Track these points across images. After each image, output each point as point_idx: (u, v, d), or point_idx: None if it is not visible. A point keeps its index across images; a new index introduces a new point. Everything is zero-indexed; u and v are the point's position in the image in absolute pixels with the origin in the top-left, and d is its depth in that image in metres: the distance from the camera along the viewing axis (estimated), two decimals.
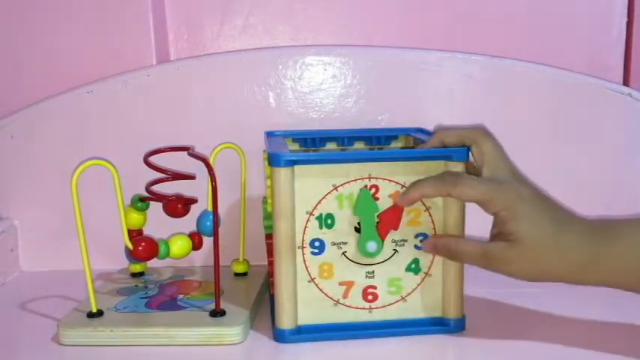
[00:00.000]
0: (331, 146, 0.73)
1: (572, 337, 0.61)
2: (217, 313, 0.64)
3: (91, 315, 0.64)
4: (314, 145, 0.73)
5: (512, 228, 0.56)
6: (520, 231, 0.56)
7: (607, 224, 0.57)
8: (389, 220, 0.61)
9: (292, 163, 0.59)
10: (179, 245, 0.72)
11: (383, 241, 0.61)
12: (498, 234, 0.58)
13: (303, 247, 0.61)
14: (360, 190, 0.61)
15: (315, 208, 0.61)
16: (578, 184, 0.82)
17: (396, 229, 0.62)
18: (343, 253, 0.62)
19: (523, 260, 0.56)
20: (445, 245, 0.60)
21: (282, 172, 0.59)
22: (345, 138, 0.73)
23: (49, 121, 0.81)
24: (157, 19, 0.84)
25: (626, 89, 0.81)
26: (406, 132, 0.73)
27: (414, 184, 0.60)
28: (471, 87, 0.81)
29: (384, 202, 0.61)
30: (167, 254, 0.72)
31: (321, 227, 0.61)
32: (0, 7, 0.83)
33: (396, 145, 0.74)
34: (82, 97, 0.81)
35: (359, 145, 0.73)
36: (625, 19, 0.86)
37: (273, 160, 0.59)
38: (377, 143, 0.73)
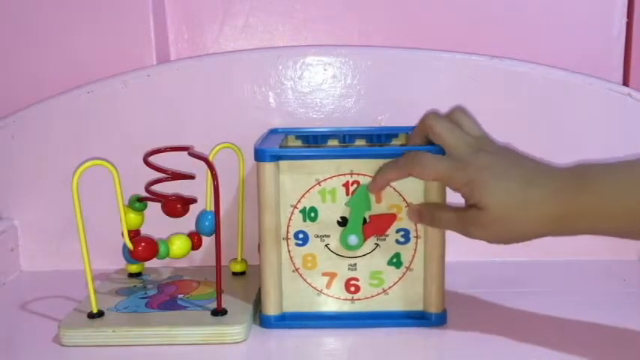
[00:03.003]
0: (333, 143, 0.74)
1: (552, 333, 0.62)
2: (219, 312, 0.64)
3: (91, 315, 0.64)
4: (315, 142, 0.74)
5: (477, 198, 0.56)
6: (483, 199, 0.56)
7: (580, 172, 0.55)
8: (378, 225, 0.64)
9: (277, 158, 0.62)
10: (179, 245, 0.72)
11: (365, 238, 0.64)
12: (469, 205, 0.58)
13: (287, 239, 0.64)
14: (361, 185, 0.63)
15: (299, 201, 0.63)
16: None
17: (381, 235, 0.64)
18: (326, 245, 0.64)
19: (496, 224, 0.56)
20: (429, 212, 0.62)
21: (267, 167, 0.62)
22: (346, 135, 0.74)
23: (49, 121, 0.81)
24: (158, 19, 0.84)
25: (625, 89, 0.81)
26: (406, 130, 0.74)
27: (378, 170, 0.62)
28: (471, 87, 0.81)
29: None
30: (167, 254, 0.72)
31: (304, 220, 0.64)
32: (0, 7, 0.83)
33: (396, 142, 0.74)
34: (82, 97, 0.81)
35: (359, 143, 0.74)
36: (625, 20, 0.86)
37: (259, 156, 0.62)
38: (377, 141, 0.74)
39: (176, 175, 0.74)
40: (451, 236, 0.65)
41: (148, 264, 0.76)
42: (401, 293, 0.65)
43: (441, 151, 0.61)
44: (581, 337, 0.62)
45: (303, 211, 0.64)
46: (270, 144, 0.67)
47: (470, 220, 0.58)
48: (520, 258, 0.78)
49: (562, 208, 0.54)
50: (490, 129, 0.67)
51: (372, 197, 0.63)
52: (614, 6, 0.86)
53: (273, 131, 0.76)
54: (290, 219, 0.64)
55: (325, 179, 0.63)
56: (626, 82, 0.86)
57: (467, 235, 0.59)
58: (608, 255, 0.79)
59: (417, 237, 0.64)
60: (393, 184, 0.63)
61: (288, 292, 0.65)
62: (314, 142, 0.73)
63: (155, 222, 0.75)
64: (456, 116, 0.62)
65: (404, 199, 0.64)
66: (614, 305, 0.69)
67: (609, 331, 0.63)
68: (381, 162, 0.63)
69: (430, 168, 0.59)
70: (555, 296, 0.72)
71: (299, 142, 0.75)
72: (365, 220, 0.63)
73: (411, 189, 0.63)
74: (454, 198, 0.63)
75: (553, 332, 0.62)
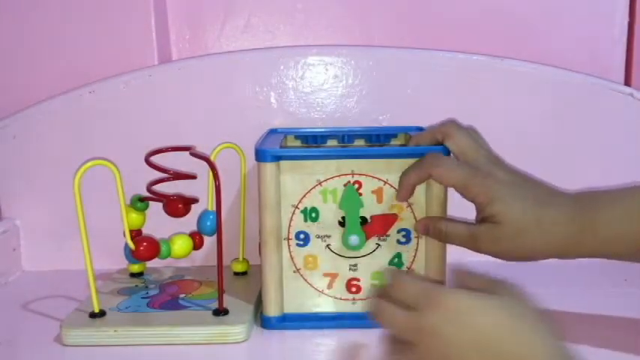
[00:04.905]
0: (332, 143, 0.74)
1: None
2: (220, 312, 0.64)
3: (93, 315, 0.64)
4: (315, 142, 0.74)
5: (492, 211, 0.57)
6: (501, 212, 0.57)
7: (590, 195, 0.57)
8: (379, 225, 0.64)
9: (277, 158, 0.62)
10: (180, 245, 0.72)
11: (367, 238, 0.64)
12: (482, 219, 0.59)
13: (288, 239, 0.64)
14: (346, 185, 0.63)
15: (300, 201, 0.63)
16: (578, 184, 0.82)
17: (382, 234, 0.64)
18: (327, 245, 0.64)
19: (508, 240, 0.57)
20: (437, 227, 0.62)
21: (268, 167, 0.62)
22: (345, 136, 0.74)
23: (50, 121, 0.81)
24: (159, 19, 0.84)
25: (627, 89, 0.81)
26: (405, 130, 0.74)
27: (401, 177, 0.62)
28: (471, 87, 0.81)
29: (367, 198, 0.64)
30: (168, 254, 0.72)
31: (305, 220, 0.64)
32: (2, 7, 0.83)
33: (395, 143, 0.74)
34: (83, 97, 0.81)
35: (359, 143, 0.74)
36: (626, 19, 0.86)
37: (260, 156, 0.62)
38: (377, 141, 0.74)
39: (178, 175, 0.74)
40: None
41: (149, 264, 0.77)
42: None
43: (447, 152, 0.62)
44: (581, 337, 0.62)
45: (304, 211, 0.64)
46: (270, 144, 0.67)
47: (482, 234, 0.58)
48: None
49: (571, 232, 0.56)
50: (491, 129, 0.67)
51: (362, 196, 0.63)
52: (615, 6, 0.86)
53: (273, 131, 0.77)
54: (291, 219, 0.64)
55: (326, 179, 0.63)
56: (627, 82, 0.86)
57: (476, 250, 0.59)
58: None
59: (418, 237, 0.64)
60: (396, 184, 0.63)
61: (289, 293, 0.65)
62: (313, 142, 0.73)
63: (157, 222, 0.75)
64: (472, 133, 0.63)
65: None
66: (615, 305, 0.69)
67: (610, 331, 0.63)
68: (382, 162, 0.63)
69: (451, 171, 0.59)
70: (555, 296, 0.71)
71: (298, 142, 0.75)
72: (364, 218, 0.64)
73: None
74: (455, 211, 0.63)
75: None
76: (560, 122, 0.82)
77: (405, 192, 0.62)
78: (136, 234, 0.73)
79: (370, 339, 0.62)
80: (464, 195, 0.60)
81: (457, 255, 0.67)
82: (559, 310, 0.67)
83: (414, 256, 0.64)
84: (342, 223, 0.64)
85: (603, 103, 0.81)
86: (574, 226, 0.56)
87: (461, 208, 0.62)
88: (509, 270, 0.78)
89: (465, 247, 0.60)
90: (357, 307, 0.65)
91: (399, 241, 0.64)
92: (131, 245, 0.69)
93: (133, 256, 0.70)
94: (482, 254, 0.60)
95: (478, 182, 0.58)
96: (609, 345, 0.60)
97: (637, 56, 0.86)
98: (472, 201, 0.59)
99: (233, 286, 0.72)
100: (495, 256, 0.59)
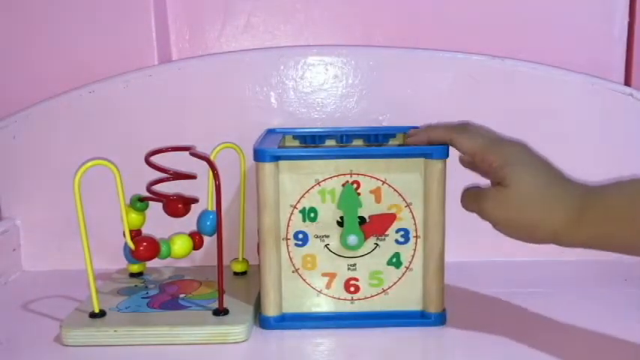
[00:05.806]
0: (330, 143, 0.74)
1: (552, 333, 0.62)
2: (220, 311, 0.64)
3: (93, 315, 0.64)
4: (313, 142, 0.74)
5: (504, 173, 0.58)
6: (511, 177, 0.57)
7: (593, 186, 0.58)
8: (378, 224, 0.64)
9: (276, 158, 0.62)
10: (180, 245, 0.73)
11: (365, 237, 0.64)
12: (494, 184, 0.59)
13: (287, 239, 0.64)
14: (345, 185, 0.63)
15: (298, 201, 0.63)
16: None
17: (381, 234, 0.64)
18: (326, 245, 0.64)
19: (511, 206, 0.57)
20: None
21: (267, 167, 0.62)
22: (344, 136, 0.74)
23: (50, 121, 0.81)
24: (159, 19, 0.84)
25: (627, 89, 0.81)
26: (404, 130, 0.74)
27: (425, 129, 0.64)
28: (471, 87, 0.81)
29: (366, 198, 0.64)
30: (168, 254, 0.72)
31: (304, 220, 0.64)
32: (1, 7, 0.83)
33: (393, 142, 0.74)
34: (83, 97, 0.81)
35: (357, 143, 0.74)
36: (626, 19, 0.86)
37: (258, 156, 0.62)
38: (375, 141, 0.74)
39: (177, 175, 0.74)
40: (451, 236, 0.65)
41: (149, 264, 0.77)
42: (400, 293, 0.65)
43: (446, 151, 0.62)
44: (581, 336, 0.62)
45: (302, 211, 0.64)
46: (269, 144, 0.67)
47: (489, 194, 0.59)
48: (519, 258, 0.78)
49: (573, 212, 0.56)
50: (491, 129, 0.67)
51: (361, 196, 0.63)
52: (615, 6, 0.86)
53: (271, 131, 0.77)
54: (289, 219, 0.64)
55: (325, 179, 0.63)
56: (627, 82, 0.86)
57: (480, 212, 0.59)
58: (609, 255, 0.79)
59: (416, 237, 0.64)
60: (394, 184, 0.63)
61: (287, 293, 0.65)
62: (311, 142, 0.74)
63: (156, 222, 0.75)
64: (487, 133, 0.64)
65: (403, 199, 0.64)
66: (615, 305, 0.69)
67: (609, 331, 0.63)
68: (380, 162, 0.63)
69: (472, 139, 0.60)
70: (555, 296, 0.72)
71: (296, 142, 0.75)
72: (363, 218, 0.64)
73: (410, 189, 0.64)
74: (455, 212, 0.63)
75: (553, 332, 0.63)
76: (559, 122, 0.82)
77: (417, 141, 0.64)
78: (136, 234, 0.73)
79: (369, 338, 0.63)
80: (481, 165, 0.60)
81: (456, 255, 0.68)
82: (558, 310, 0.67)
83: (413, 256, 0.65)
84: (340, 223, 0.64)
85: (603, 103, 0.81)
86: (573, 210, 0.56)
87: (460, 209, 0.62)
88: (508, 270, 0.78)
89: (471, 206, 0.61)
90: (356, 307, 0.65)
91: (397, 241, 0.64)
92: (131, 245, 0.69)
93: (133, 256, 0.70)
94: (485, 220, 0.60)
95: (495, 149, 0.59)
96: (609, 345, 0.60)
97: (637, 56, 0.86)
98: (488, 170, 0.59)
99: (233, 286, 0.72)
100: (495, 223, 0.59)
